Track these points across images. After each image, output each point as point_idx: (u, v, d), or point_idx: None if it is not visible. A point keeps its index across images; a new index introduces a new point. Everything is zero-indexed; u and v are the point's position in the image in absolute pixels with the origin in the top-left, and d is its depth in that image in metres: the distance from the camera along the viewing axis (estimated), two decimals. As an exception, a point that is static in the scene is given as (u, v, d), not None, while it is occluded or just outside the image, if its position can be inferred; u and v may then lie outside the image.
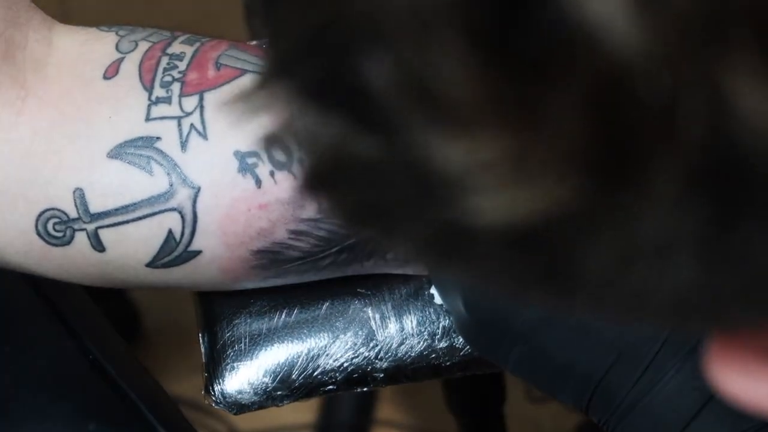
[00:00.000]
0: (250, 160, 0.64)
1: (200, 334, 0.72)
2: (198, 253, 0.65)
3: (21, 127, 0.64)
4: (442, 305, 0.69)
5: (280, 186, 0.64)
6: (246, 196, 0.64)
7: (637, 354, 0.58)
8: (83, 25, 0.70)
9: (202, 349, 0.72)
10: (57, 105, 0.65)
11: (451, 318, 0.68)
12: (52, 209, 0.64)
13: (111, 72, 0.66)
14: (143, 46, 0.66)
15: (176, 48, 0.66)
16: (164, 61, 0.66)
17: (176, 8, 1.74)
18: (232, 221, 0.64)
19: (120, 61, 0.66)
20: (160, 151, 0.64)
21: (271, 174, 0.64)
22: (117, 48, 0.67)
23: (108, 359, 0.81)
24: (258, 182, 0.64)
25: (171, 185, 0.64)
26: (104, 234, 0.64)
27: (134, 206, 0.64)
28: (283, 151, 0.64)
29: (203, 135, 0.64)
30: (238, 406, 0.70)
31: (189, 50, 0.66)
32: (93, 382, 0.80)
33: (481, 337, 0.63)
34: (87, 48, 0.67)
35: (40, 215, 0.64)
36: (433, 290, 0.68)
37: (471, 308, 0.64)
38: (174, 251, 0.65)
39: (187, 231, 0.64)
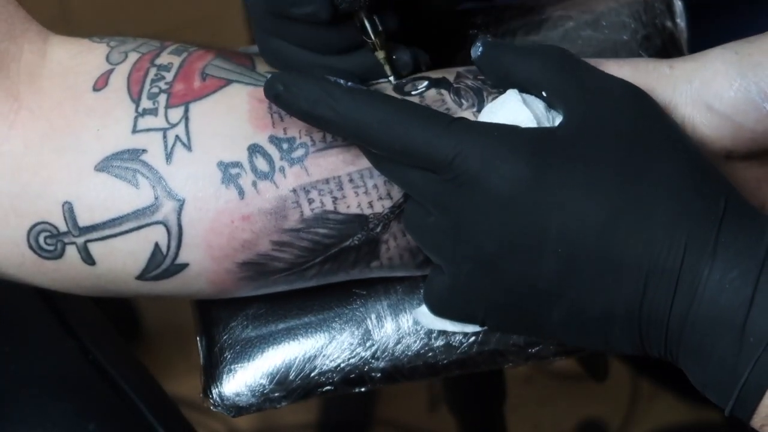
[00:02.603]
0: (233, 171, 0.64)
1: (198, 338, 0.72)
2: (185, 266, 0.65)
3: (13, 140, 0.65)
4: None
5: (263, 196, 0.64)
6: (229, 207, 0.64)
7: (663, 270, 0.57)
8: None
9: (200, 353, 0.72)
10: (48, 118, 0.65)
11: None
12: (43, 223, 0.65)
13: (101, 83, 0.66)
14: (132, 57, 0.67)
15: (164, 59, 0.67)
16: (152, 72, 0.66)
17: (175, 8, 1.74)
18: (216, 234, 0.64)
19: (110, 72, 0.66)
20: (146, 164, 0.64)
21: (254, 184, 0.64)
22: (107, 59, 0.67)
23: (108, 359, 0.81)
24: (241, 193, 0.64)
25: (156, 198, 0.64)
26: (93, 247, 0.65)
27: (121, 220, 0.64)
28: (265, 159, 0.64)
29: (187, 146, 0.64)
30: (236, 409, 0.71)
31: (176, 61, 0.67)
32: (93, 382, 0.80)
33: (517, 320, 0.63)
34: (78, 60, 0.67)
35: (31, 229, 0.65)
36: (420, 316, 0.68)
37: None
38: (162, 264, 0.65)
39: (173, 244, 0.64)
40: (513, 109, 0.62)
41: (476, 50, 0.64)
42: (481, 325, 0.64)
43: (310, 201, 0.64)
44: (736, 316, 0.56)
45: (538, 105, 0.62)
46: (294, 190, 0.64)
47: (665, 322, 0.58)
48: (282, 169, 0.64)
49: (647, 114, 0.61)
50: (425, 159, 0.60)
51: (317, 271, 0.67)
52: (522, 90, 0.63)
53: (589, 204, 0.58)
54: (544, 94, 0.62)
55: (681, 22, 0.74)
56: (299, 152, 0.65)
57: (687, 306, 0.57)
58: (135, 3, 1.72)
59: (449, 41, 0.73)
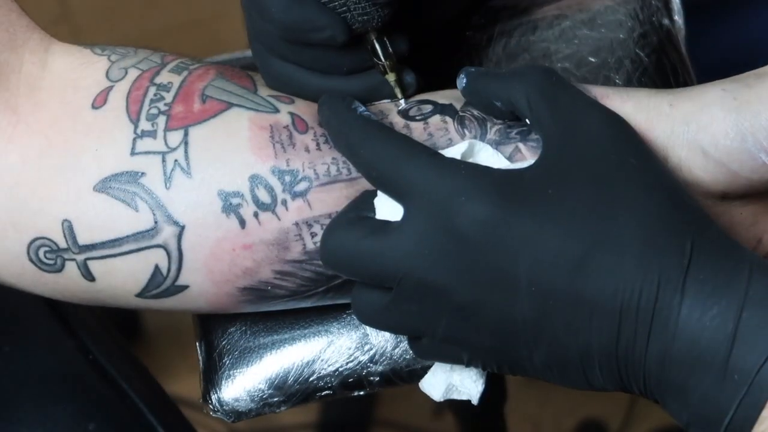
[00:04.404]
0: (234, 201, 0.64)
1: (197, 344, 0.72)
2: (185, 287, 0.65)
3: (11, 155, 0.64)
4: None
5: (264, 227, 0.64)
6: (230, 236, 0.64)
7: (638, 309, 0.57)
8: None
9: (200, 358, 0.72)
10: (46, 133, 0.65)
11: None
12: (42, 238, 0.64)
13: (99, 101, 0.66)
14: (132, 74, 0.66)
15: (164, 77, 0.66)
16: (151, 91, 0.66)
17: (175, 8, 1.74)
18: (217, 260, 0.64)
19: (109, 89, 0.66)
20: (145, 187, 0.64)
21: (255, 215, 0.64)
22: (107, 75, 0.67)
23: (108, 359, 0.81)
24: (242, 223, 0.64)
25: (156, 222, 0.64)
26: (93, 265, 0.65)
27: (120, 241, 0.64)
28: (267, 191, 0.64)
29: (187, 172, 0.64)
30: (236, 414, 0.71)
31: (176, 80, 0.66)
32: (93, 382, 0.80)
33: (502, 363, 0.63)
34: (78, 74, 0.67)
35: (31, 243, 0.65)
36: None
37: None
38: (162, 285, 0.65)
39: (174, 267, 0.64)
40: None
41: (461, 82, 0.64)
42: (467, 365, 0.63)
43: (313, 234, 0.64)
44: (717, 353, 0.56)
45: (500, 160, 0.62)
46: (296, 224, 0.64)
47: (642, 362, 0.58)
48: (284, 202, 0.64)
49: (624, 149, 0.60)
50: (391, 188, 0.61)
51: (318, 299, 0.67)
52: (508, 118, 0.64)
53: (559, 245, 0.58)
54: (527, 121, 0.62)
55: (678, 19, 0.74)
56: (302, 186, 0.64)
57: (665, 345, 0.57)
58: (135, 3, 1.72)
59: (446, 43, 0.73)
